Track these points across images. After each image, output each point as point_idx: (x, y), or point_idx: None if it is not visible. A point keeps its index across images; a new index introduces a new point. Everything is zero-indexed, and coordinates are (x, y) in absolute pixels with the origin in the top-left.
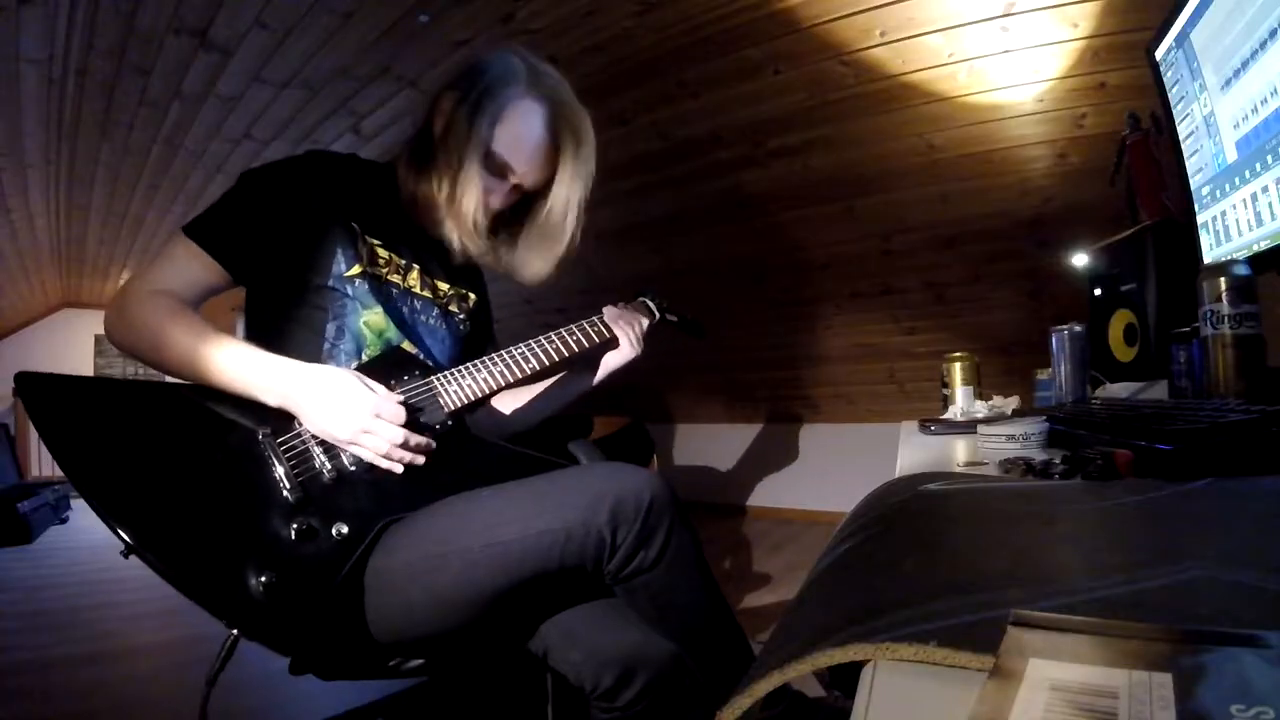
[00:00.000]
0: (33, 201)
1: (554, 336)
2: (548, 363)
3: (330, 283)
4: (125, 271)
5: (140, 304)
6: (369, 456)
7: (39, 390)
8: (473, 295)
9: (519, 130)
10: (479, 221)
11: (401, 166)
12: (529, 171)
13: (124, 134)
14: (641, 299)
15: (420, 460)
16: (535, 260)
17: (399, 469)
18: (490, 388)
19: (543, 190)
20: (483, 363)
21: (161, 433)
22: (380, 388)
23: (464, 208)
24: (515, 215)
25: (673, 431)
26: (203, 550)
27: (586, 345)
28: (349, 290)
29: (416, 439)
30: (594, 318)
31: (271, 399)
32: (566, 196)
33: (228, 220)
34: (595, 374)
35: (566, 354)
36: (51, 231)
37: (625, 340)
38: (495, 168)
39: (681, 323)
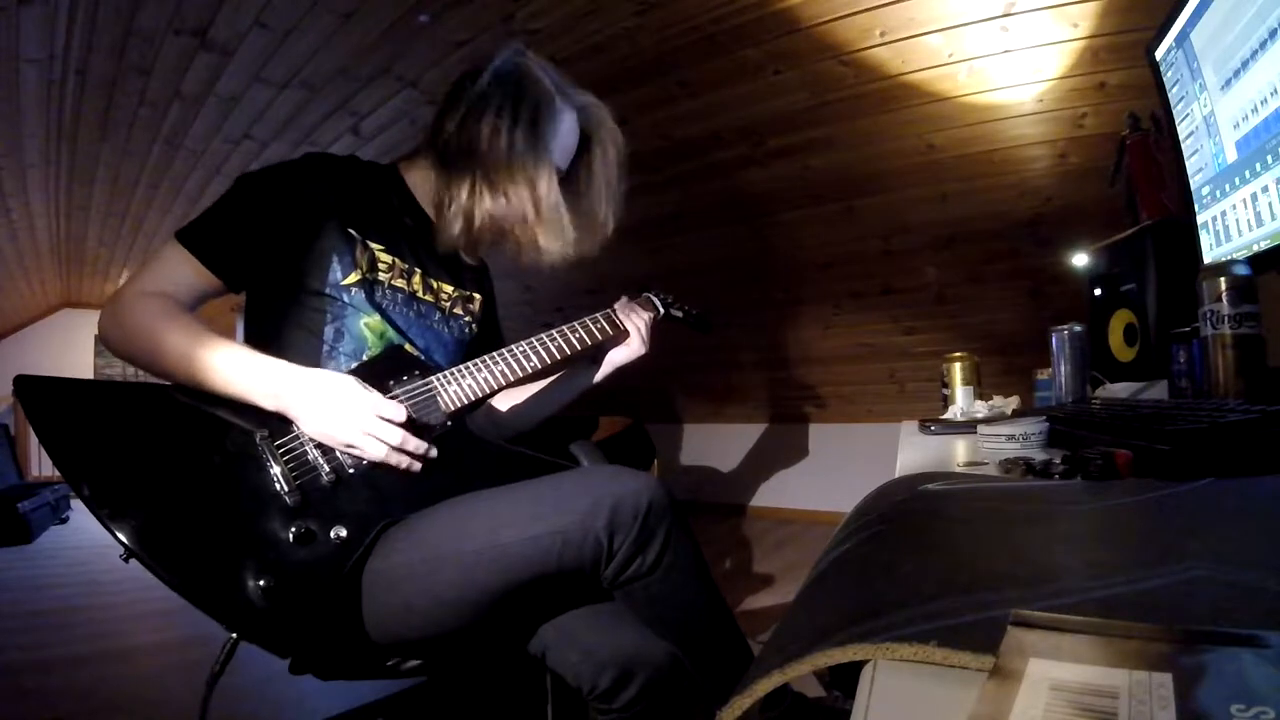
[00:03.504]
0: (33, 201)
1: (556, 335)
2: (550, 361)
3: (327, 290)
4: (125, 271)
5: (134, 307)
6: (368, 458)
7: (38, 393)
8: (479, 296)
9: (568, 139)
10: (566, 224)
11: (458, 193)
12: (563, 168)
13: (124, 134)
14: (646, 295)
15: (417, 466)
16: (584, 241)
17: (416, 466)
18: (490, 387)
19: (573, 175)
20: (483, 362)
21: (160, 436)
22: (376, 392)
23: (552, 214)
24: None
25: (675, 431)
26: (202, 554)
27: (591, 342)
28: (345, 297)
29: (416, 442)
30: (599, 313)
31: (267, 403)
32: (603, 178)
33: (221, 227)
34: (599, 371)
35: (571, 351)
36: (51, 231)
37: (635, 335)
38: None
39: (687, 318)
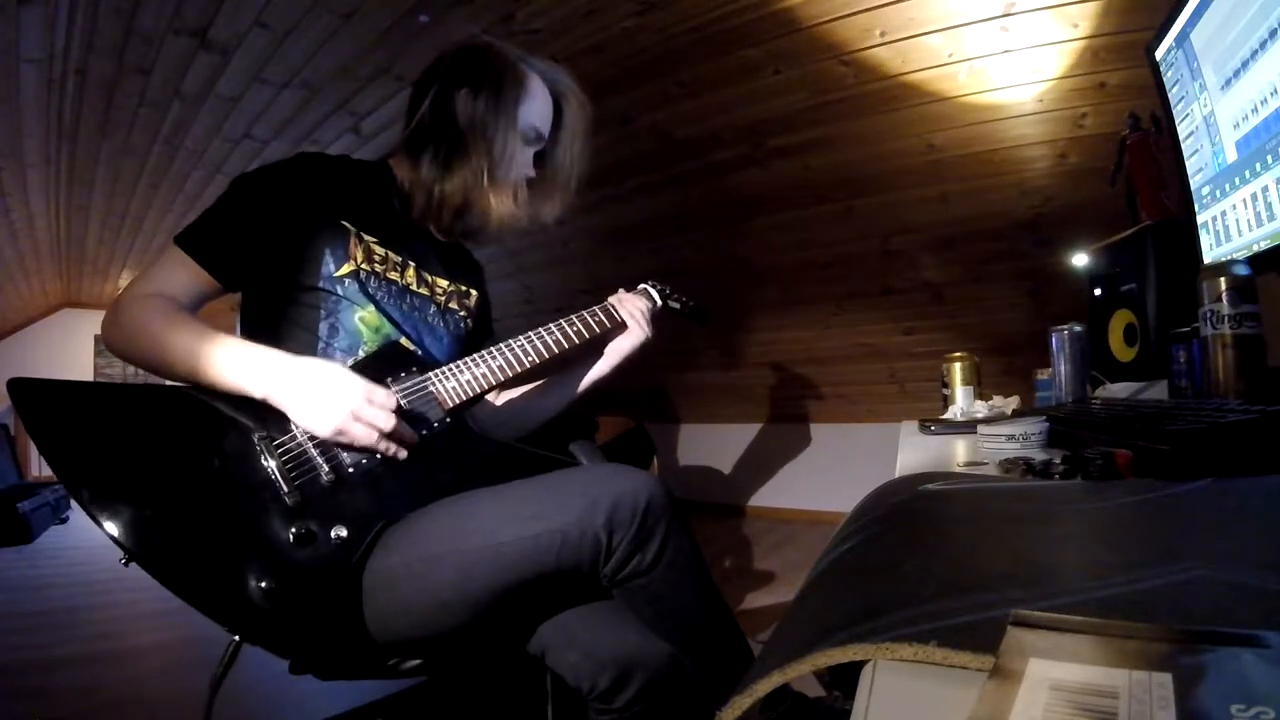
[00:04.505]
0: (33, 201)
1: (554, 327)
2: (548, 355)
3: (320, 283)
4: (125, 271)
5: (133, 308)
6: (357, 444)
7: (33, 397)
8: (474, 292)
9: (541, 102)
10: (520, 187)
11: (423, 168)
12: (546, 132)
13: (124, 134)
14: (643, 286)
15: (404, 454)
16: (549, 204)
17: (402, 454)
18: (489, 383)
19: (547, 144)
20: (481, 357)
21: (157, 439)
22: (364, 378)
23: (507, 178)
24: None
25: (674, 431)
26: (203, 558)
27: (589, 335)
28: (339, 290)
29: (405, 429)
30: (596, 306)
31: (257, 392)
32: (573, 141)
33: (217, 229)
34: (606, 363)
35: (569, 344)
36: (51, 231)
37: (634, 323)
38: (529, 138)
39: (684, 309)
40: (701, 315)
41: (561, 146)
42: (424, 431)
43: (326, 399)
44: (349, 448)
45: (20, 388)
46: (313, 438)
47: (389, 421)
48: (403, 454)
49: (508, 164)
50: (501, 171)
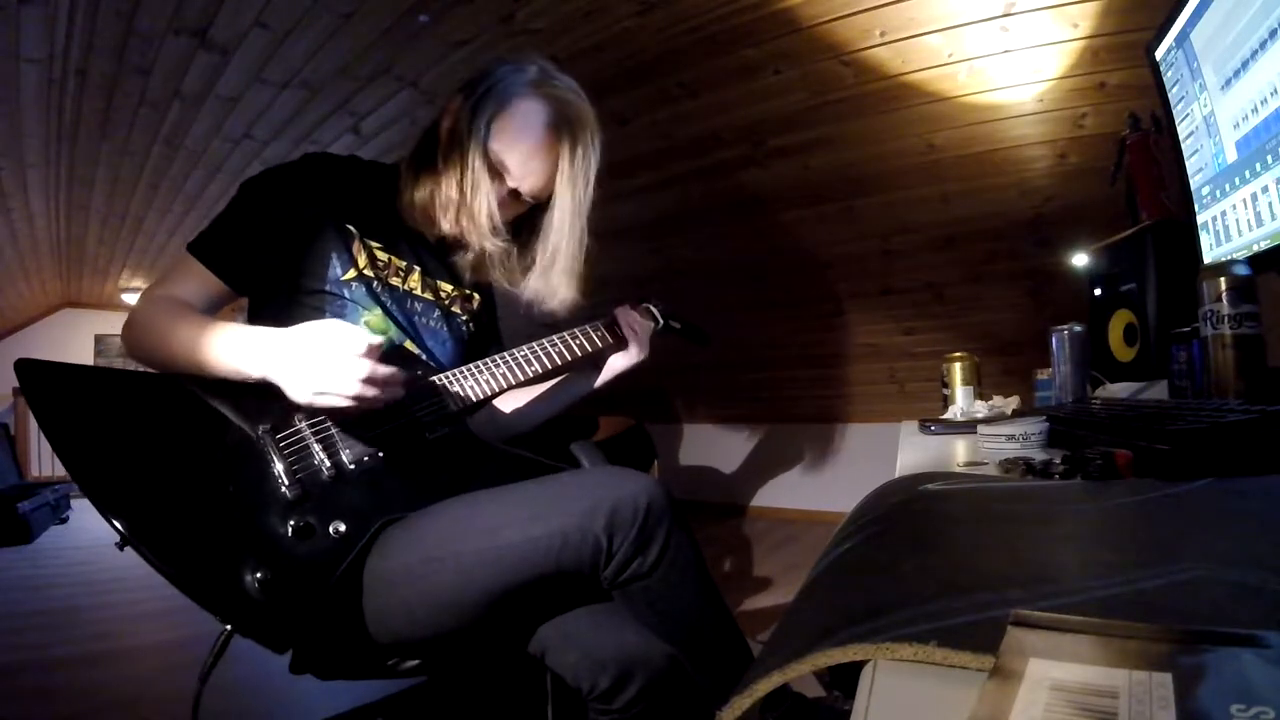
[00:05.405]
0: (33, 201)
1: (557, 340)
2: (552, 365)
3: (326, 287)
4: (125, 271)
5: (145, 308)
6: (343, 403)
7: (39, 377)
8: (477, 296)
9: (516, 127)
10: (495, 219)
11: (404, 168)
12: (526, 176)
13: (124, 134)
14: (646, 305)
15: (400, 393)
16: (551, 284)
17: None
18: (492, 390)
19: (547, 204)
20: (486, 364)
21: (160, 425)
22: (340, 333)
23: (476, 206)
24: (531, 235)
25: (675, 431)
26: (198, 545)
27: (592, 349)
28: (345, 293)
29: (384, 370)
30: (599, 321)
31: (254, 371)
32: (561, 204)
33: (227, 235)
34: (599, 376)
35: (572, 357)
36: (51, 231)
37: (634, 343)
38: (491, 168)
39: (685, 330)
40: (702, 337)
41: (553, 202)
42: (427, 434)
43: (305, 365)
44: (342, 410)
45: (26, 368)
46: (316, 432)
47: (359, 368)
48: (400, 393)
49: (472, 181)
50: (469, 187)
